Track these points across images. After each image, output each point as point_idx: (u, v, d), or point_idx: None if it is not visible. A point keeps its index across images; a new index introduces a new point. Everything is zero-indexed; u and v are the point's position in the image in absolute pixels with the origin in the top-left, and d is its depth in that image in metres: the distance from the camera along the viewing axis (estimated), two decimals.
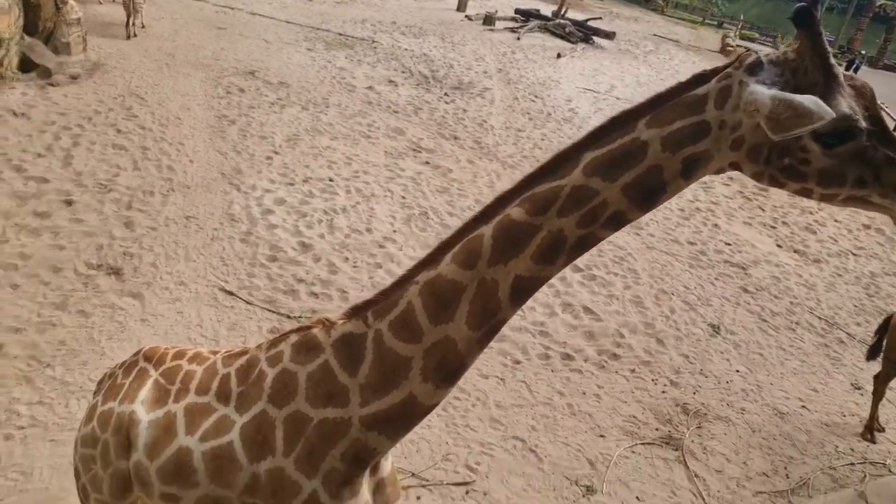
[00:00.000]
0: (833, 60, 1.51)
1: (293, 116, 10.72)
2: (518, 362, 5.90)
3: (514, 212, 1.73)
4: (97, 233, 6.63)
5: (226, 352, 2.39)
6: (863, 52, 35.39)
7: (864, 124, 1.49)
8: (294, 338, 2.10)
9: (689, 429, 5.41)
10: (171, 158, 8.46)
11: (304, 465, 1.97)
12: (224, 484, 2.10)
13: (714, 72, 1.63)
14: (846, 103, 1.49)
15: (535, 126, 12.93)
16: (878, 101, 1.61)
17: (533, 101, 14.79)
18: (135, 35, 13.34)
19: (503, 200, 1.78)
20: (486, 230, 1.77)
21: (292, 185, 8.37)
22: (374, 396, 1.93)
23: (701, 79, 1.63)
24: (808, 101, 1.41)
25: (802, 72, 1.52)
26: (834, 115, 1.40)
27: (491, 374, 5.65)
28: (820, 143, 1.50)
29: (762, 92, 1.47)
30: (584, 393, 5.66)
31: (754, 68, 1.54)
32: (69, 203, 7.04)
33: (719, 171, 1.68)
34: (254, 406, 2.08)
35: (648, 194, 1.66)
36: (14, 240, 6.28)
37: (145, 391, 2.38)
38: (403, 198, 8.62)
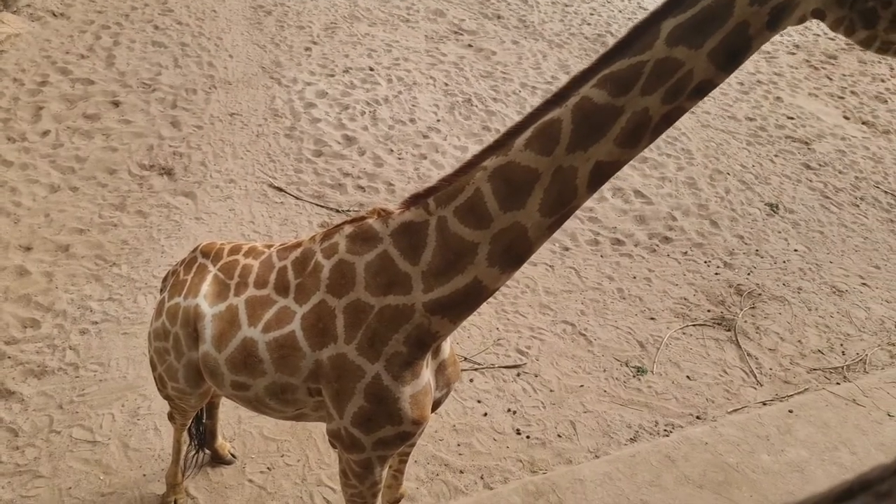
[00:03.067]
0: None
1: (329, 3, 10.32)
2: (567, 249, 5.88)
3: (594, 93, 1.63)
4: (146, 133, 6.71)
5: (280, 245, 2.43)
6: None
7: None
8: (348, 229, 2.11)
9: (742, 309, 5.37)
10: (210, 54, 8.34)
11: (366, 350, 2.03)
12: (289, 371, 2.19)
13: None
14: None
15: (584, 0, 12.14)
16: None
17: None
18: None
19: (578, 81, 1.67)
20: (564, 115, 1.67)
21: (332, 76, 8.19)
22: (437, 282, 1.94)
23: None
24: None
25: None
26: None
27: (540, 261, 5.66)
28: None
29: None
30: (634, 277, 5.64)
31: None
32: (116, 104, 7.10)
33: (801, 21, 1.59)
34: (312, 297, 2.12)
35: (734, 55, 1.58)
36: (68, 143, 6.43)
37: (206, 285, 2.45)
38: (446, 85, 8.36)
